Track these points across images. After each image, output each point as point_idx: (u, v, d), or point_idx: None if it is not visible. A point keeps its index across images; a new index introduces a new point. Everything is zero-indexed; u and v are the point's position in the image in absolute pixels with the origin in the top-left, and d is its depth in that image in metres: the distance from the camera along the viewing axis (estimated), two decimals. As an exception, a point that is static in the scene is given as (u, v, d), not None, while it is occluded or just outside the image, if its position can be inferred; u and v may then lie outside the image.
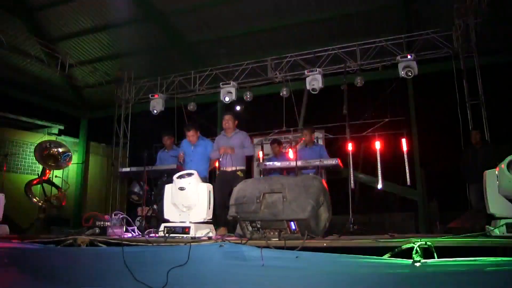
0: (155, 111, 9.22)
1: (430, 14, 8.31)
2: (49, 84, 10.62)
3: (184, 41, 10.07)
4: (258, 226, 3.42)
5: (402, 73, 7.38)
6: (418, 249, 2.63)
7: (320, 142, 9.12)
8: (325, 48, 8.35)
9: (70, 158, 7.13)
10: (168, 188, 3.89)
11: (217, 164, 6.15)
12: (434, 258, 2.65)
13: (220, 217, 4.82)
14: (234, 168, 5.44)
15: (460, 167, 6.64)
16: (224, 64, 9.35)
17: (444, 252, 2.67)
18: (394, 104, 9.21)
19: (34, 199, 6.98)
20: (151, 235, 4.02)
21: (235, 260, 2.99)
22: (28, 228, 6.25)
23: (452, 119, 7.33)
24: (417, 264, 2.55)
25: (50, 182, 7.15)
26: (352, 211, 4.54)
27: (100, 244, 3.80)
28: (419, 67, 7.39)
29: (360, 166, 9.32)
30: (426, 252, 2.66)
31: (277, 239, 3.27)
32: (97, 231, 4.68)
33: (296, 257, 2.84)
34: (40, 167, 7.36)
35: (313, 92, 8.02)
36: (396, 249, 2.77)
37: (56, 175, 7.91)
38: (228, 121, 5.70)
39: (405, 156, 7.99)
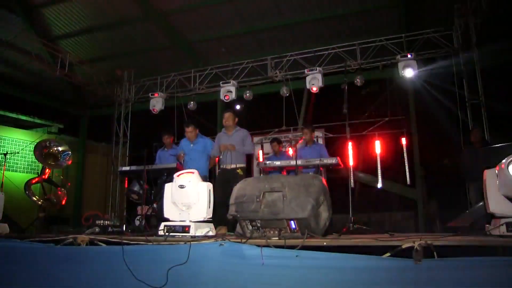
0: (155, 110, 9.22)
1: (430, 14, 8.31)
2: (49, 82, 10.62)
3: (184, 40, 10.07)
4: (258, 225, 3.41)
5: (402, 72, 7.38)
6: (418, 248, 2.62)
7: (320, 141, 9.13)
8: (325, 47, 8.35)
9: (70, 157, 7.11)
10: (168, 186, 3.89)
11: (216, 163, 6.16)
12: (434, 257, 2.65)
13: (221, 215, 4.81)
14: (234, 166, 5.44)
15: (459, 166, 6.64)
16: (224, 63, 9.34)
17: (444, 251, 2.67)
18: (394, 103, 9.22)
19: (34, 198, 6.96)
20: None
21: (235, 259, 2.98)
22: (28, 227, 6.24)
23: (452, 119, 7.33)
24: (417, 263, 2.55)
25: (49, 181, 7.13)
26: (352, 210, 4.54)
27: (100, 243, 3.79)
28: (419, 67, 7.39)
29: (360, 165, 9.31)
30: (426, 251, 2.65)
31: (277, 238, 3.27)
32: (97, 230, 4.68)
33: (296, 256, 2.84)
34: (40, 165, 7.35)
35: (313, 91, 8.03)
36: (396, 248, 2.77)
37: (56, 173, 7.91)
38: (228, 118, 5.70)
39: (405, 155, 8.01)
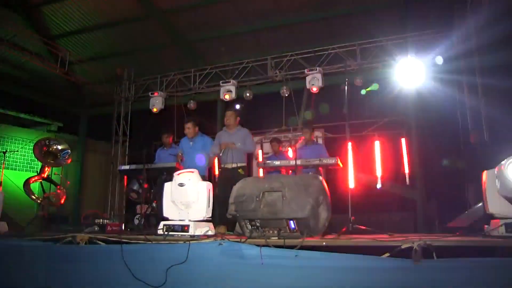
0: (155, 109, 9.22)
1: (430, 14, 8.31)
2: (49, 81, 10.61)
3: (184, 39, 10.07)
4: (258, 224, 3.42)
5: (402, 73, 7.38)
6: (417, 248, 2.63)
7: (320, 141, 9.13)
8: (325, 47, 8.34)
9: (70, 156, 7.12)
10: (167, 186, 3.89)
11: (215, 162, 6.15)
12: (433, 257, 2.65)
13: (221, 215, 4.82)
14: (235, 165, 5.44)
15: (459, 167, 6.64)
16: (224, 62, 9.34)
17: (443, 251, 2.67)
18: (394, 104, 9.21)
19: (33, 197, 6.96)
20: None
21: (234, 258, 2.99)
22: (27, 226, 6.24)
23: (451, 119, 7.33)
24: (417, 264, 2.55)
25: (49, 179, 7.14)
26: (351, 210, 4.54)
27: (99, 242, 3.79)
28: (419, 67, 7.39)
29: (360, 165, 9.31)
30: (425, 252, 2.66)
31: (276, 237, 3.27)
32: (96, 228, 4.69)
33: (295, 256, 2.84)
34: (39, 164, 7.35)
35: (313, 92, 8.03)
36: (395, 249, 2.77)
37: (55, 172, 7.91)
38: (230, 117, 5.70)
39: (405, 155, 8.00)
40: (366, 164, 8.56)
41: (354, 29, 9.00)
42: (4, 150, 7.49)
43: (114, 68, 10.19)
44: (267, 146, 9.21)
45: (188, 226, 3.65)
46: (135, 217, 6.19)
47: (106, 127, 10.51)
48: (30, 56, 8.44)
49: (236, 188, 3.66)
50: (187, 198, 3.69)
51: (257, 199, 3.38)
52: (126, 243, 3.49)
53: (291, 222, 3.28)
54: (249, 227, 3.46)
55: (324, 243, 3.07)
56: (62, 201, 6.97)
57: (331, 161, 5.30)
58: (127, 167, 6.21)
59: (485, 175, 3.30)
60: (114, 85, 10.27)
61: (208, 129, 7.49)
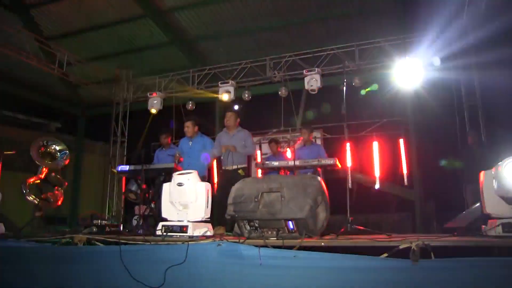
0: (153, 110, 9.21)
1: (428, 15, 8.33)
2: (47, 82, 10.60)
3: (183, 39, 10.06)
4: (256, 225, 3.42)
5: (400, 74, 7.41)
6: (415, 248, 2.63)
7: (318, 141, 9.14)
8: (324, 48, 8.36)
9: (67, 156, 7.08)
10: (166, 186, 3.89)
11: (214, 163, 6.14)
12: (431, 257, 2.66)
13: (221, 216, 4.81)
14: (235, 167, 5.44)
15: (457, 167, 6.66)
16: (222, 63, 9.34)
17: (441, 251, 2.68)
18: (392, 105, 9.23)
19: (30, 198, 6.94)
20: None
21: (232, 259, 2.99)
22: (24, 227, 6.21)
23: (449, 120, 7.36)
24: (415, 264, 2.56)
25: (46, 180, 7.11)
26: (350, 211, 4.55)
27: (97, 243, 3.79)
28: (417, 68, 7.41)
29: (358, 166, 9.33)
30: (423, 252, 2.66)
31: (275, 238, 3.27)
32: (94, 229, 4.68)
33: (294, 256, 2.84)
34: (37, 164, 7.32)
35: (311, 92, 8.04)
36: (394, 249, 2.78)
37: (53, 173, 7.88)
38: (230, 118, 5.69)
39: (403, 156, 8.02)
40: (365, 165, 8.58)
41: (353, 30, 9.02)
42: (1, 151, 7.43)
43: (112, 69, 10.19)
44: (265, 147, 9.21)
45: (186, 226, 3.64)
46: (133, 218, 6.17)
47: (104, 127, 10.51)
48: (28, 57, 8.41)
49: (234, 189, 3.66)
50: (185, 198, 3.69)
51: (256, 199, 3.38)
52: (125, 243, 3.48)
53: (290, 222, 3.28)
54: (248, 227, 3.47)
55: (322, 244, 3.07)
56: (60, 202, 6.93)
57: (329, 161, 5.30)
58: (125, 167, 6.19)
59: (482, 175, 3.31)
60: (112, 85, 10.27)
61: (206, 130, 7.49)
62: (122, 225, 5.29)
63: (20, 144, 10.16)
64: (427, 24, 7.73)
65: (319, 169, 5.59)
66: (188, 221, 3.70)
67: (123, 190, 9.04)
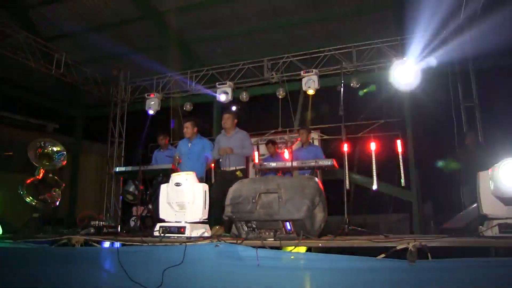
0: (151, 111, 9.20)
1: (425, 16, 8.35)
2: (44, 82, 10.56)
3: (180, 40, 10.06)
4: (254, 226, 3.43)
5: (397, 75, 7.43)
6: (412, 249, 2.64)
7: (316, 142, 9.15)
8: (322, 49, 8.37)
9: (65, 157, 7.06)
10: (163, 187, 3.89)
11: (212, 165, 6.15)
12: (428, 258, 2.67)
13: (219, 217, 4.81)
14: (233, 168, 5.44)
15: (454, 168, 6.68)
16: (220, 64, 9.34)
17: (438, 252, 2.69)
18: (390, 106, 9.26)
19: (28, 198, 6.92)
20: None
21: (230, 260, 2.99)
22: (22, 228, 6.19)
23: (446, 121, 7.38)
24: (412, 264, 2.57)
25: (44, 181, 7.09)
26: (347, 211, 4.56)
27: (95, 244, 3.79)
28: (415, 69, 7.43)
29: (356, 167, 9.35)
30: (421, 253, 2.67)
31: (273, 239, 3.28)
32: (91, 230, 4.67)
33: (292, 257, 2.85)
34: (34, 165, 7.30)
35: (309, 93, 8.05)
36: (391, 250, 2.79)
37: (51, 174, 7.86)
38: (227, 120, 5.68)
39: (400, 157, 8.02)
40: (362, 166, 8.60)
41: (350, 31, 9.05)
42: (-1, 152, 7.43)
43: (110, 70, 10.18)
44: (263, 148, 9.21)
45: (184, 227, 3.65)
46: (131, 219, 6.17)
47: (102, 128, 10.49)
48: (25, 58, 8.39)
49: (232, 190, 3.67)
50: (183, 199, 3.69)
51: (253, 200, 3.39)
52: (122, 245, 3.48)
53: (287, 223, 3.29)
54: (245, 228, 3.47)
55: (320, 244, 3.08)
56: (57, 203, 6.91)
57: (327, 162, 5.31)
58: (123, 168, 6.19)
59: (479, 176, 3.33)
60: (110, 86, 10.26)
61: (204, 131, 7.50)
62: (119, 226, 5.27)
63: (18, 145, 10.15)
64: (424, 25, 7.76)
65: (316, 170, 5.59)
66: (186, 222, 3.71)
67: (121, 191, 9.04)
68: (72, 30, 9.68)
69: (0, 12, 8.73)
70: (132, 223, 5.90)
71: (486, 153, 6.15)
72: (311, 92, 8.00)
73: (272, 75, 8.71)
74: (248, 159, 8.78)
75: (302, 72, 8.07)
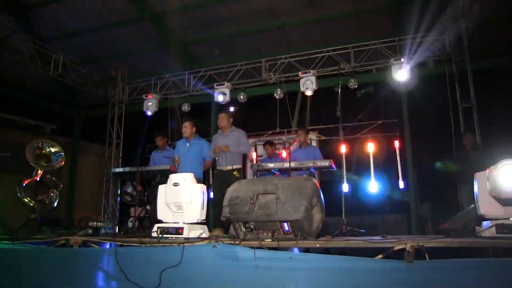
0: (149, 112, 9.20)
1: (423, 18, 8.39)
2: (42, 83, 10.56)
3: (178, 41, 10.06)
4: (252, 227, 3.43)
5: (395, 76, 7.45)
6: (410, 250, 2.65)
7: (314, 143, 9.16)
8: (319, 50, 8.38)
9: (63, 158, 7.05)
10: (161, 188, 3.89)
11: (210, 166, 6.15)
12: (425, 259, 2.68)
13: (218, 217, 4.81)
14: (230, 167, 5.44)
15: (452, 169, 6.70)
16: (218, 65, 9.35)
17: (435, 253, 2.70)
18: (387, 106, 9.28)
19: (25, 200, 6.90)
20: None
21: (228, 260, 2.99)
22: (19, 229, 6.18)
23: (444, 122, 7.40)
24: (409, 265, 2.58)
25: (42, 182, 7.07)
26: (345, 212, 4.57)
27: (93, 245, 3.78)
28: (412, 70, 7.46)
29: (353, 167, 9.35)
30: (418, 253, 2.68)
31: (270, 240, 3.28)
32: (89, 231, 4.66)
33: (289, 257, 2.85)
34: (32, 166, 7.29)
35: (307, 94, 8.07)
36: (389, 250, 2.79)
37: (48, 175, 7.84)
38: (222, 119, 5.70)
39: (398, 157, 8.05)
40: (360, 166, 8.61)
41: (348, 32, 9.06)
42: (-4, 153, 7.40)
43: (108, 70, 10.17)
44: (261, 149, 9.22)
45: (182, 228, 3.64)
46: (129, 220, 6.16)
47: (100, 129, 10.47)
48: (23, 59, 8.38)
49: (230, 191, 3.67)
50: (180, 199, 3.69)
51: (251, 201, 3.39)
52: (120, 245, 3.48)
53: (285, 224, 3.29)
54: (243, 229, 3.47)
55: (318, 245, 3.08)
56: (55, 204, 6.90)
57: (325, 163, 5.32)
58: (120, 169, 6.19)
59: (477, 177, 3.34)
60: (108, 87, 10.25)
61: (202, 132, 7.49)
62: (117, 227, 5.27)
63: (15, 146, 10.12)
64: (421, 25, 7.79)
65: (314, 170, 5.60)
66: (184, 222, 3.71)
67: (119, 192, 9.02)
68: (70, 30, 9.67)
69: (-2, 13, 8.72)
70: (130, 224, 5.89)
71: (483, 154, 6.17)
72: (309, 93, 8.01)
73: (270, 76, 8.72)
74: (246, 159, 8.81)
75: (300, 73, 8.08)
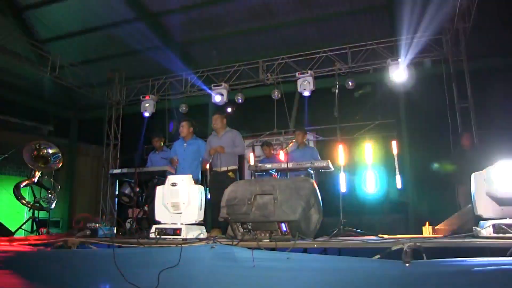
0: (146, 113, 9.19)
1: (420, 18, 8.41)
2: (39, 85, 10.51)
3: (175, 42, 10.06)
4: (249, 227, 3.43)
5: (392, 76, 7.47)
6: (407, 250, 2.66)
7: (311, 144, 9.16)
8: (317, 51, 8.40)
9: (60, 160, 7.04)
10: (159, 189, 3.89)
11: (207, 166, 6.14)
12: (423, 259, 2.68)
13: (215, 218, 4.82)
14: (225, 169, 5.44)
15: (449, 169, 6.71)
16: (215, 65, 9.35)
17: (433, 253, 2.70)
18: (385, 107, 9.29)
19: (23, 201, 6.89)
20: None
21: (226, 261, 2.99)
22: (17, 230, 6.17)
23: (441, 122, 7.42)
24: (407, 265, 2.58)
25: (39, 183, 7.06)
26: (343, 213, 4.57)
27: (91, 246, 3.78)
28: (409, 70, 7.48)
29: (351, 168, 9.36)
30: (415, 253, 2.69)
31: (268, 240, 3.28)
32: (87, 233, 4.66)
33: (287, 258, 2.85)
34: (29, 168, 7.28)
35: (304, 95, 8.08)
36: (386, 250, 2.80)
37: (46, 176, 7.83)
38: (216, 121, 5.71)
39: (395, 158, 8.06)
40: (357, 167, 8.62)
41: (345, 32, 9.08)
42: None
43: (105, 72, 10.16)
44: (258, 149, 9.22)
45: (180, 229, 3.65)
46: (127, 221, 6.16)
47: (98, 130, 10.46)
48: (20, 60, 8.36)
49: (227, 192, 3.67)
50: (178, 199, 3.69)
51: (249, 202, 3.40)
52: (118, 246, 3.48)
53: (283, 224, 3.30)
54: (241, 230, 3.47)
55: (315, 245, 3.09)
56: (53, 206, 6.89)
57: (322, 164, 5.32)
58: (118, 170, 6.19)
59: (474, 177, 3.35)
60: (105, 88, 10.23)
61: (199, 133, 7.49)
62: (115, 228, 5.26)
63: (13, 147, 10.09)
64: (419, 26, 7.82)
65: (312, 171, 5.60)
66: (182, 223, 3.71)
67: (117, 193, 9.02)
68: (67, 32, 9.65)
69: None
70: (128, 225, 5.89)
71: (480, 154, 6.18)
72: (306, 93, 8.02)
73: (267, 76, 8.73)
74: (243, 160, 8.81)
75: (297, 74, 8.09)
